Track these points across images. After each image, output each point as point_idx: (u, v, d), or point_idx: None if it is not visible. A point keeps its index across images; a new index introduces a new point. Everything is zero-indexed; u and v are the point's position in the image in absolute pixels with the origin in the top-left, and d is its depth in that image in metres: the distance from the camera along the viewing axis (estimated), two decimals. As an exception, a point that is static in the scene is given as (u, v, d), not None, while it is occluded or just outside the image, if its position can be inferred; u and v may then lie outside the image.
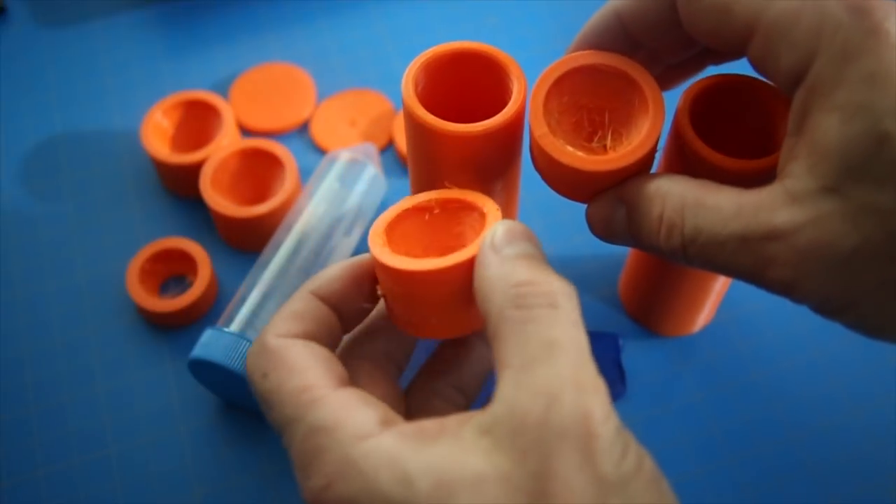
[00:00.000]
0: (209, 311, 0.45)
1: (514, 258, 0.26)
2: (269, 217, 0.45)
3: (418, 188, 0.38)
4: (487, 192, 0.35)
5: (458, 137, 0.32)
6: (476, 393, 0.33)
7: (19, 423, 0.41)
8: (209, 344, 0.39)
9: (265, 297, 0.40)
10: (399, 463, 0.24)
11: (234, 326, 0.39)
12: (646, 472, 0.24)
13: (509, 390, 0.24)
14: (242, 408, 0.42)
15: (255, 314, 0.40)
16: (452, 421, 0.25)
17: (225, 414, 0.42)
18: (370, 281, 0.31)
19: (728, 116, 0.34)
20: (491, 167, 0.34)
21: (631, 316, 0.45)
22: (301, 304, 0.30)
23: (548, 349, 0.24)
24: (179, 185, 0.48)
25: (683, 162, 0.32)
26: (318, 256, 0.42)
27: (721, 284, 0.40)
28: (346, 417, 0.25)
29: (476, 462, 0.23)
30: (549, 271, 0.26)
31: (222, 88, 0.53)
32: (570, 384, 0.23)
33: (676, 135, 0.32)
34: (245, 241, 0.46)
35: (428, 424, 0.25)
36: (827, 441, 0.41)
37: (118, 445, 0.41)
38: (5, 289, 0.45)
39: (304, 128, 0.51)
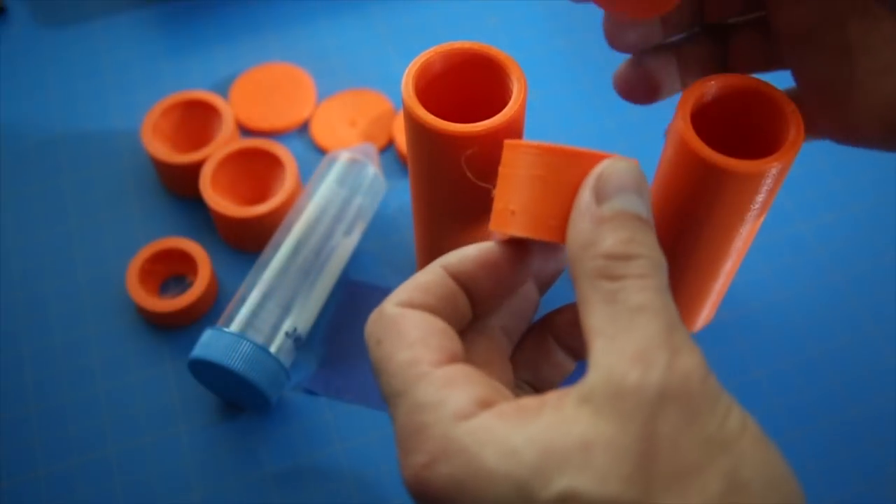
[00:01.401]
0: (209, 311, 0.45)
1: (611, 219, 0.25)
2: (269, 217, 0.45)
3: (418, 188, 0.38)
4: (487, 192, 0.35)
5: (458, 137, 0.32)
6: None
7: (19, 423, 0.41)
8: (209, 344, 0.39)
9: (265, 297, 0.40)
10: (502, 438, 0.24)
11: (234, 326, 0.39)
12: (751, 432, 0.24)
13: (604, 357, 0.24)
14: (242, 408, 0.42)
15: (255, 314, 0.40)
16: (552, 396, 0.25)
17: (225, 414, 0.42)
18: (507, 269, 0.29)
19: (727, 118, 0.34)
20: (491, 167, 0.34)
21: None
22: (429, 276, 0.29)
23: (639, 314, 0.24)
24: (179, 185, 0.48)
25: (682, 162, 0.32)
26: (318, 256, 0.42)
27: (721, 284, 0.40)
28: (449, 396, 0.25)
29: (580, 429, 0.23)
30: (645, 238, 0.26)
31: (222, 88, 0.53)
32: (664, 347, 0.23)
33: (677, 134, 0.32)
34: (245, 241, 0.46)
35: (528, 402, 0.25)
36: (827, 441, 0.41)
37: (118, 445, 0.41)
38: (5, 289, 0.45)
39: (304, 128, 0.51)
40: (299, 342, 0.41)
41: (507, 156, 0.29)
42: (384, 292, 0.45)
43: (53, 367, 0.43)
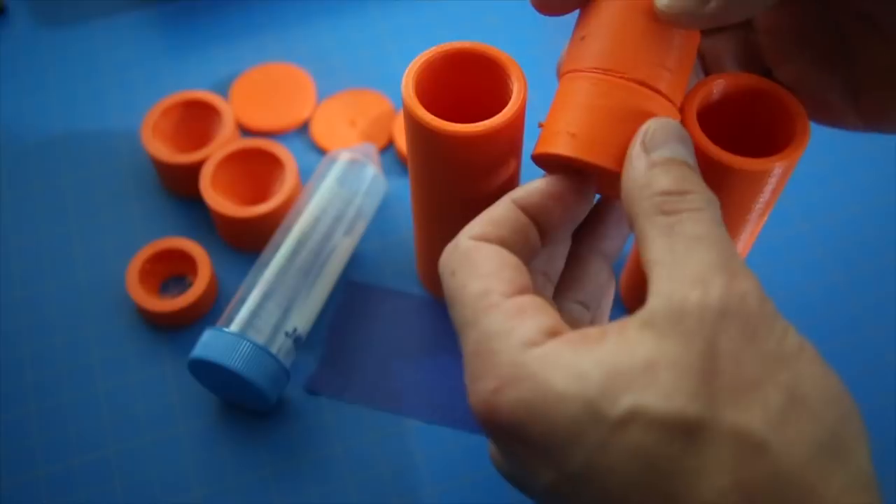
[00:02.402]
0: (209, 311, 0.45)
1: (662, 163, 0.27)
2: (269, 217, 0.45)
3: (418, 188, 0.38)
4: (487, 192, 0.36)
5: (458, 137, 0.32)
6: (598, 306, 0.33)
7: (19, 423, 0.41)
8: (209, 344, 0.39)
9: (265, 297, 0.40)
10: (569, 363, 0.24)
11: (234, 326, 0.39)
12: (808, 352, 0.25)
13: (663, 283, 0.25)
14: (242, 408, 0.42)
15: (255, 314, 0.40)
16: (614, 325, 0.26)
17: (225, 414, 0.42)
18: (572, 198, 0.30)
19: (733, 116, 0.34)
20: (491, 167, 0.34)
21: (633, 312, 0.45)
22: (500, 210, 0.30)
23: (696, 243, 0.25)
24: (179, 185, 0.48)
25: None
26: (318, 256, 0.42)
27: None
28: (519, 325, 0.26)
29: (644, 350, 0.24)
30: (694, 179, 0.27)
31: (222, 88, 0.53)
32: (722, 270, 0.24)
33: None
34: (245, 241, 0.46)
35: (591, 331, 0.26)
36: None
37: (118, 445, 0.41)
38: (5, 289, 0.45)
39: (304, 128, 0.51)
40: (299, 342, 0.41)
41: (565, 86, 0.30)
42: (384, 292, 0.45)
43: (53, 367, 0.43)
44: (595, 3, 0.30)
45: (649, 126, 0.28)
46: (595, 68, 0.29)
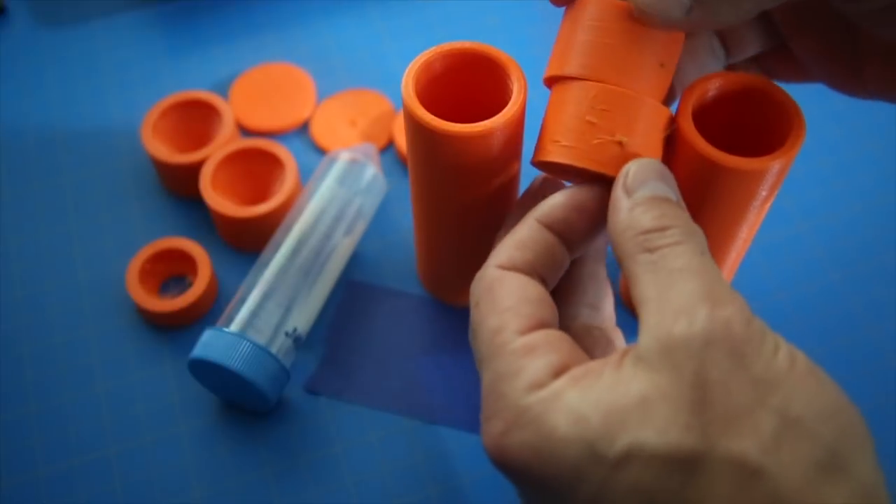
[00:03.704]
0: (209, 311, 0.45)
1: (643, 202, 0.28)
2: (269, 217, 0.45)
3: (418, 188, 0.38)
4: (487, 192, 0.36)
5: (458, 137, 0.32)
6: (602, 307, 0.33)
7: (19, 423, 0.41)
8: (209, 344, 0.39)
9: (265, 297, 0.40)
10: (570, 405, 0.25)
11: (234, 326, 0.39)
12: (799, 366, 0.25)
13: (651, 318, 0.26)
14: (242, 408, 0.42)
15: (255, 314, 0.40)
16: (615, 356, 0.26)
17: (225, 414, 0.42)
18: (594, 207, 0.31)
19: (729, 115, 0.34)
20: (491, 167, 0.34)
21: (633, 313, 0.45)
22: (525, 231, 0.30)
23: (678, 275, 0.26)
24: (179, 185, 0.48)
25: (683, 159, 0.32)
26: (318, 256, 0.42)
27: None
28: (527, 365, 0.27)
29: (638, 387, 0.25)
30: (675, 213, 0.28)
31: (222, 88, 0.53)
32: (705, 299, 0.25)
33: (678, 132, 0.32)
34: (245, 241, 0.46)
35: (593, 365, 0.27)
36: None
37: (118, 445, 0.41)
38: (5, 289, 0.45)
39: (304, 128, 0.51)
40: (299, 342, 0.41)
41: (557, 94, 0.31)
42: (384, 292, 0.45)
43: (53, 367, 0.43)
44: (580, 1, 0.31)
45: (629, 168, 0.29)
46: (582, 75, 0.30)
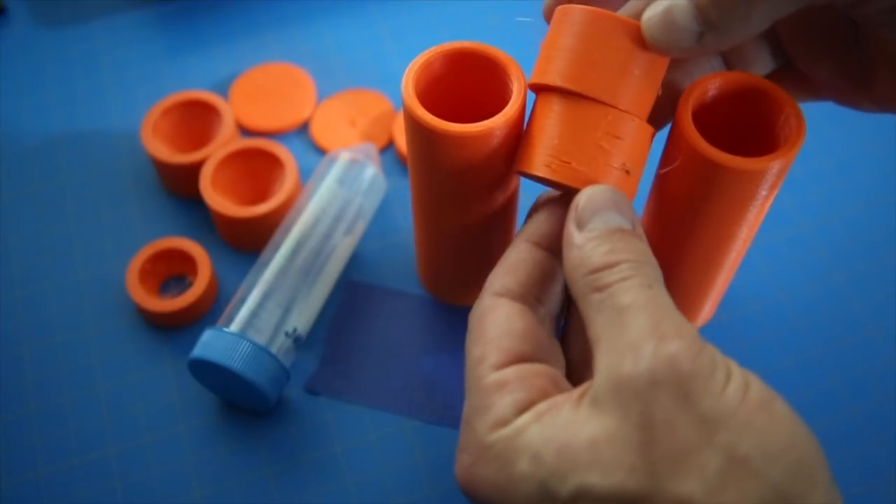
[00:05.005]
0: (209, 311, 0.45)
1: (594, 238, 0.28)
2: (269, 217, 0.45)
3: (418, 188, 0.38)
4: (487, 192, 0.36)
5: (459, 137, 0.32)
6: None
7: (19, 423, 0.41)
8: (209, 344, 0.39)
9: (265, 297, 0.40)
10: (529, 443, 0.26)
11: (234, 326, 0.39)
12: (752, 397, 0.25)
13: (602, 358, 0.26)
14: (242, 408, 0.42)
15: (255, 314, 0.40)
16: (578, 392, 0.27)
17: (225, 414, 0.42)
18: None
19: (729, 115, 0.34)
20: (491, 167, 0.34)
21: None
22: (514, 254, 0.31)
23: (625, 314, 0.26)
24: (179, 185, 0.48)
25: (683, 159, 0.32)
26: (318, 256, 0.42)
27: (721, 281, 0.40)
28: (496, 401, 0.28)
29: (588, 428, 0.25)
30: (626, 246, 0.27)
31: (222, 88, 0.53)
32: (650, 336, 0.25)
33: (678, 132, 0.32)
34: (245, 241, 0.46)
35: (560, 399, 0.27)
36: (826, 440, 0.41)
37: (118, 445, 0.41)
38: (5, 289, 0.45)
39: (304, 128, 0.51)
40: (299, 342, 0.41)
41: (540, 106, 0.31)
42: (384, 292, 0.45)
43: (53, 367, 0.43)
44: (567, 11, 0.31)
45: (578, 200, 0.29)
46: (565, 88, 0.30)
